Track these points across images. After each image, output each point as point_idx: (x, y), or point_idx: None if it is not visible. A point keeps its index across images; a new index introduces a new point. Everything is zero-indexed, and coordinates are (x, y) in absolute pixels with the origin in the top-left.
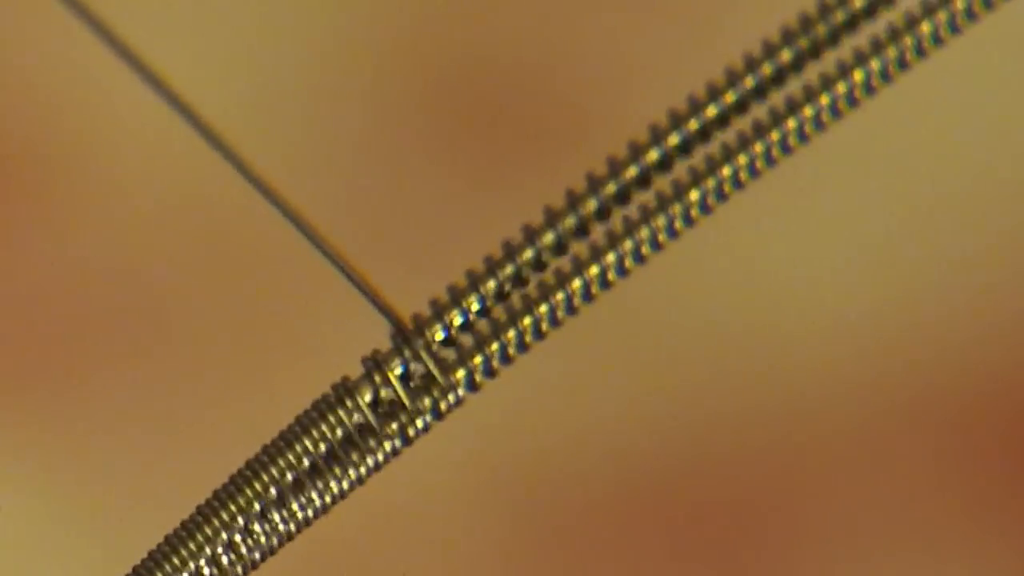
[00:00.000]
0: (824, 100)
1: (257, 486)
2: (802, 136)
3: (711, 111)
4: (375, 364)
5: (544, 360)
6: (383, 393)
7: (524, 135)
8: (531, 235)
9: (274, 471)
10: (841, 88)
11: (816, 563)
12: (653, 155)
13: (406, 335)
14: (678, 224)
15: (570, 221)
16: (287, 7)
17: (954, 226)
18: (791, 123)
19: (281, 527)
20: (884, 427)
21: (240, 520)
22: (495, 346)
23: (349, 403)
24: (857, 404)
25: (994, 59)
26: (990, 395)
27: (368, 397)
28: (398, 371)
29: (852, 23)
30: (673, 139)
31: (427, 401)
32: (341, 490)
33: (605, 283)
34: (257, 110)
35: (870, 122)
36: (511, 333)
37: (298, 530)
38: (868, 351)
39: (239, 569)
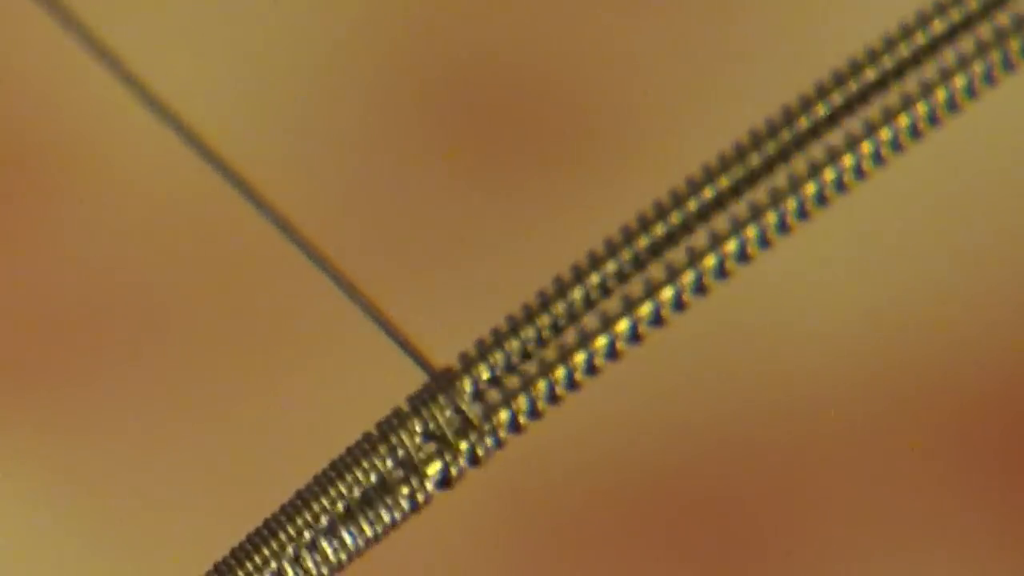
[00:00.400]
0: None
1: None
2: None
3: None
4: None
5: None
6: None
7: (526, 136)
8: (562, 288)
9: (309, 514)
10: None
11: (816, 562)
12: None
13: (444, 385)
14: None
15: (594, 279)
16: (287, 9)
17: (955, 225)
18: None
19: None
20: (884, 426)
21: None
22: (521, 401)
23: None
24: (858, 403)
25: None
26: (990, 394)
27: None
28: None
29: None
30: (708, 192)
31: (464, 445)
32: (366, 539)
33: (613, 353)
34: (256, 112)
35: None
36: (522, 399)
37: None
38: (868, 350)
39: None
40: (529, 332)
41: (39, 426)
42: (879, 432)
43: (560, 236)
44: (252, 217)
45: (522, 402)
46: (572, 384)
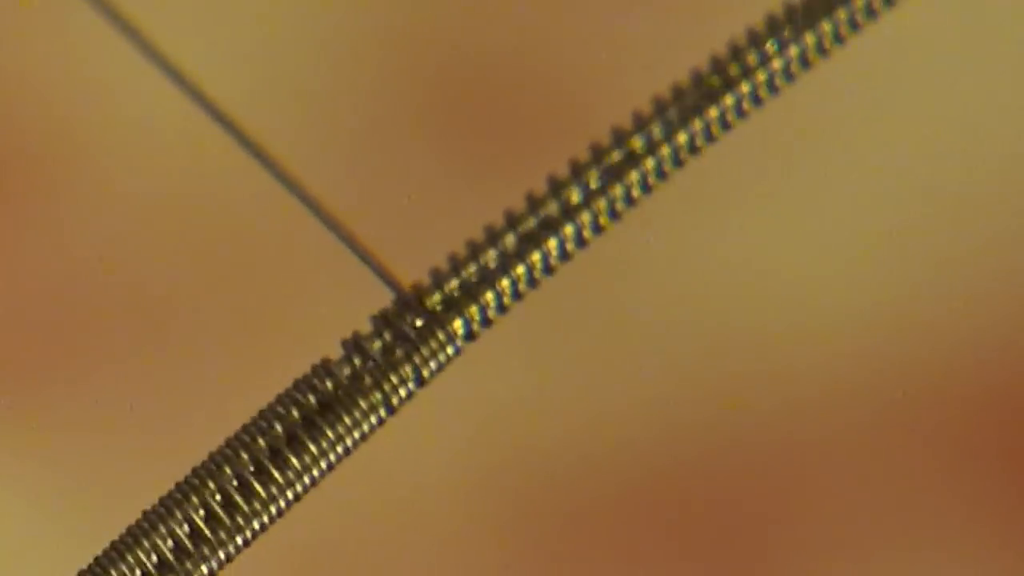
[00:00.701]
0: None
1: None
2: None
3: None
4: (384, 322)
5: (543, 359)
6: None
7: (523, 128)
8: (534, 205)
9: (272, 430)
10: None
11: (816, 562)
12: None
13: (407, 299)
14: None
15: (570, 194)
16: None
17: (953, 225)
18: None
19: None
20: (884, 426)
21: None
22: (490, 295)
23: (357, 360)
24: (857, 403)
25: (991, 58)
26: (990, 395)
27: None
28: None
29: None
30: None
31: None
32: (329, 461)
33: (581, 241)
34: (258, 103)
35: (867, 121)
36: (505, 282)
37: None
38: (868, 350)
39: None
40: (492, 253)
41: (40, 423)
42: (880, 432)
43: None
44: (250, 206)
45: (474, 311)
46: (532, 282)
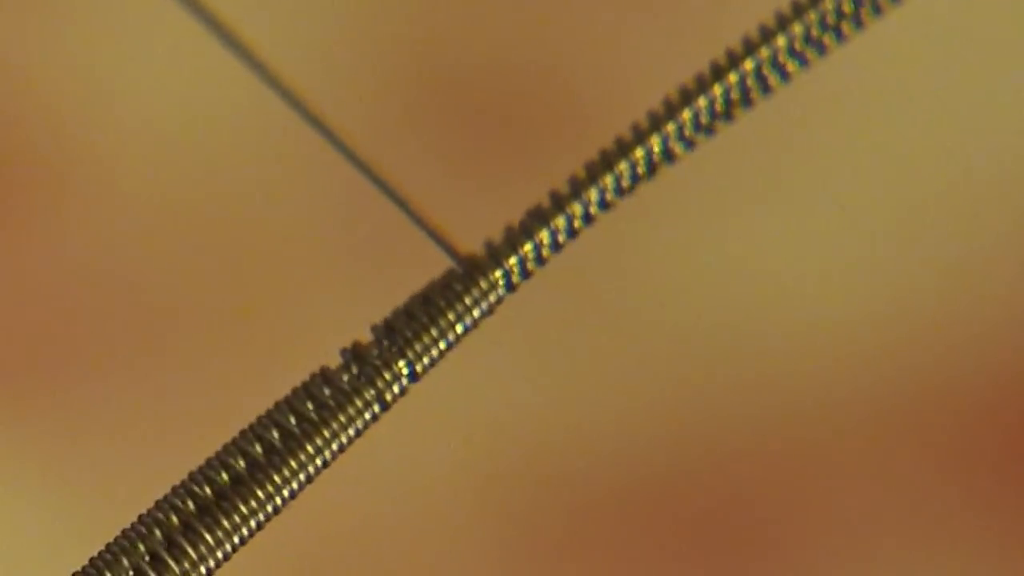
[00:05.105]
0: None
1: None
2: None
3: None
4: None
5: (544, 360)
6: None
7: (522, 132)
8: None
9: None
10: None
11: (818, 564)
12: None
13: (472, 270)
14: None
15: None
16: (290, 5)
17: (954, 227)
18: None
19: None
20: (886, 428)
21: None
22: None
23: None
24: (858, 405)
25: (991, 59)
26: (990, 396)
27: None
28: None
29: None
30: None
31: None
32: (358, 429)
33: (620, 190)
34: (256, 110)
35: (868, 122)
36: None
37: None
38: (870, 352)
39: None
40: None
41: (41, 425)
42: (881, 433)
43: None
44: (255, 211)
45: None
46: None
